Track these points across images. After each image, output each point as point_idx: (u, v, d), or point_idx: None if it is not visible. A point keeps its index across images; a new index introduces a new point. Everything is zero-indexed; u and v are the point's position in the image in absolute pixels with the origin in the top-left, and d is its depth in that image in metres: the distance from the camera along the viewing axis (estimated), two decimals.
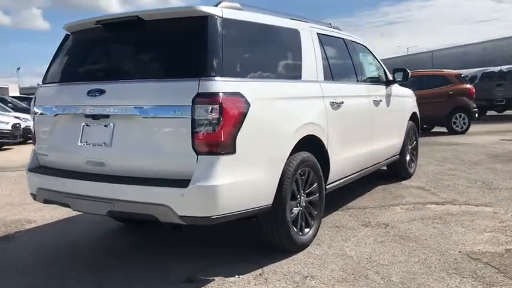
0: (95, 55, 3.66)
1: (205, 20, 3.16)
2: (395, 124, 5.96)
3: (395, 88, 6.01)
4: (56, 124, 3.61)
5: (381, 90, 5.53)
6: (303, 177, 3.86)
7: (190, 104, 2.96)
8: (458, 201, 5.30)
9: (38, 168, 3.71)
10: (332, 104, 4.24)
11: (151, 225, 4.32)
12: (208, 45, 3.09)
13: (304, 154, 3.81)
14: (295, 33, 4.08)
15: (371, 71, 5.64)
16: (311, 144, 3.98)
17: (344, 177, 4.65)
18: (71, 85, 3.59)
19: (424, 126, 14.22)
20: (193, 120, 2.96)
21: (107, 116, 3.29)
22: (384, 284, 3.17)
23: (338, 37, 4.93)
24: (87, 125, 3.40)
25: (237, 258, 3.74)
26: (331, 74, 4.51)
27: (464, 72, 19.04)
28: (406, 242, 3.98)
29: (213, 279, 3.34)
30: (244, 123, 3.11)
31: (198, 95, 2.96)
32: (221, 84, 3.02)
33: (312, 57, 4.18)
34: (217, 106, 2.97)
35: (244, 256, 3.76)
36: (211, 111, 2.96)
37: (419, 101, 12.19)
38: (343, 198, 5.46)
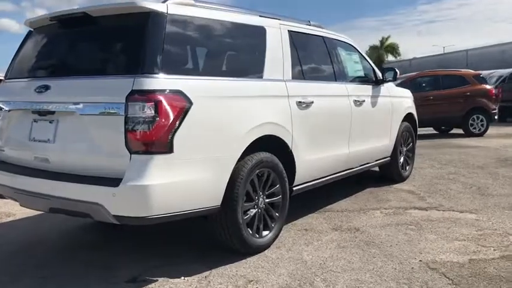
0: (46, 51, 3.66)
1: (146, 16, 3.10)
2: (384, 125, 5.76)
3: (386, 88, 5.81)
4: (10, 119, 3.64)
5: (365, 90, 5.34)
6: (261, 178, 3.76)
7: (124, 101, 2.91)
8: (443, 206, 5.08)
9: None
10: (299, 103, 4.11)
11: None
12: (146, 41, 3.03)
13: (262, 155, 3.72)
14: (259, 31, 3.97)
15: (355, 70, 5.46)
16: (273, 145, 3.87)
17: (316, 179, 4.51)
18: (23, 81, 3.61)
19: (442, 127, 13.82)
20: (126, 118, 2.91)
21: (52, 113, 3.28)
22: None
23: (316, 35, 4.78)
24: (35, 121, 3.41)
25: (191, 258, 3.68)
26: (302, 72, 4.39)
27: (498, 72, 18.35)
28: (369, 248, 3.83)
29: (157, 280, 3.29)
30: (184, 122, 3.03)
31: (132, 92, 2.91)
32: (158, 82, 2.96)
33: (278, 55, 4.06)
34: (152, 104, 2.91)
35: (199, 257, 3.70)
36: (145, 109, 2.90)
37: (436, 101, 12.00)
38: (324, 200, 5.34)
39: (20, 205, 3.55)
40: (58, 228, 4.70)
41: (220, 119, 3.32)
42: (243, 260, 3.61)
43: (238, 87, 3.54)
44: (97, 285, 3.21)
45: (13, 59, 3.86)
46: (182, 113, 3.02)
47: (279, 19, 4.35)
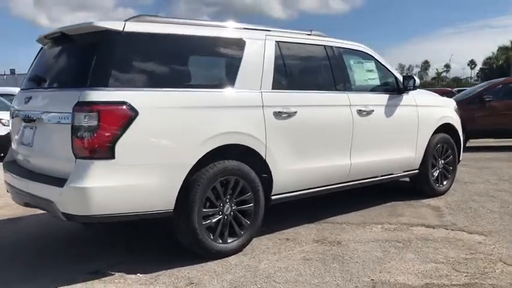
0: (38, 66, 4.17)
1: (101, 34, 3.43)
2: (406, 136, 5.46)
3: (411, 97, 5.51)
4: (14, 124, 4.23)
5: (378, 99, 5.14)
6: (228, 186, 3.88)
7: (71, 111, 3.26)
8: (456, 225, 4.71)
9: (7, 162, 4.37)
10: (277, 113, 4.15)
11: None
12: (97, 57, 3.36)
13: (227, 163, 3.85)
14: (234, 43, 4.09)
15: (366, 78, 5.27)
16: (244, 154, 3.98)
17: (302, 190, 4.49)
18: (23, 91, 4.19)
19: None
20: (73, 126, 3.26)
21: (33, 120, 3.77)
22: None
23: (314, 44, 4.74)
24: (24, 127, 3.94)
25: (156, 258, 3.91)
26: (289, 82, 4.41)
27: None
28: (332, 263, 3.75)
29: (114, 274, 3.59)
30: (128, 131, 3.30)
31: (78, 103, 3.25)
32: (101, 94, 3.27)
33: (256, 66, 4.15)
34: (95, 114, 3.22)
35: (166, 257, 3.91)
36: (88, 119, 3.22)
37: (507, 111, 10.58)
38: (331, 211, 5.23)
39: (12, 199, 4.11)
40: (40, 224, 5.06)
41: (170, 129, 3.53)
42: (202, 263, 3.76)
43: (193, 98, 3.70)
44: (62, 274, 3.59)
45: (27, 72, 4.47)
46: (125, 123, 3.29)
47: (268, 30, 4.43)
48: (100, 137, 3.23)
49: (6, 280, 3.51)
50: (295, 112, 4.28)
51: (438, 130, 5.93)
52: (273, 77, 4.24)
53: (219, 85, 3.98)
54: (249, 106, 4.02)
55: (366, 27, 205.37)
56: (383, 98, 5.21)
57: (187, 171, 3.60)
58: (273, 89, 4.22)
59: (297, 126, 4.30)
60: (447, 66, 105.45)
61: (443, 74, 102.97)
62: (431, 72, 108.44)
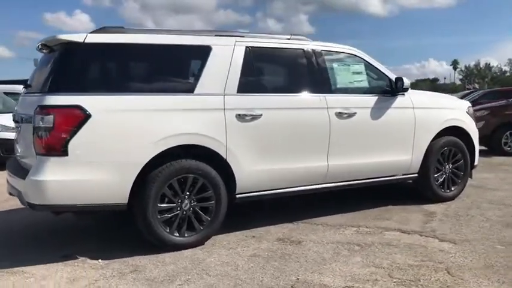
0: (33, 72, 4.70)
1: (63, 45, 3.90)
2: (400, 138, 5.34)
3: (407, 99, 5.38)
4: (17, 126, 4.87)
5: (362, 101, 5.10)
6: (185, 183, 4.16)
7: (33, 114, 3.75)
8: (434, 232, 4.57)
9: (9, 160, 4.97)
10: (240, 116, 4.35)
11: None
12: (58, 66, 3.84)
13: (184, 162, 4.14)
14: (199, 50, 4.35)
15: (352, 81, 5.22)
16: (204, 154, 4.23)
17: (271, 190, 4.63)
18: (22, 96, 4.79)
19: None
20: (33, 127, 3.76)
21: (18, 121, 4.34)
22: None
23: (290, 48, 4.85)
24: (17, 128, 4.53)
25: (123, 247, 4.25)
26: (257, 86, 4.59)
27: None
28: (274, 261, 3.88)
29: (78, 259, 4.04)
30: (80, 131, 3.72)
31: (38, 107, 3.74)
32: (57, 99, 3.72)
33: (221, 71, 4.37)
34: (50, 117, 3.68)
35: (132, 247, 4.25)
36: (45, 121, 3.69)
37: None
38: (318, 212, 5.28)
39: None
40: (30, 216, 5.30)
41: (121, 130, 3.89)
42: (157, 254, 4.05)
43: (145, 102, 4.01)
44: (38, 256, 4.10)
45: None
46: (78, 124, 3.72)
47: (241, 36, 4.64)
48: (54, 137, 3.69)
49: None
50: (261, 115, 4.44)
51: (444, 133, 5.71)
52: (240, 81, 4.44)
53: (177, 90, 4.26)
54: (209, 109, 4.26)
55: (474, 20, 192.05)
56: (370, 100, 5.16)
57: (139, 169, 3.94)
58: (238, 92, 4.42)
59: (262, 128, 4.46)
60: None
61: None
62: None
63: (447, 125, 5.71)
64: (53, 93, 3.76)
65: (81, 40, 3.91)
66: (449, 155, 5.80)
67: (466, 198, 5.99)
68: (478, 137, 6.14)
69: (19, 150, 4.46)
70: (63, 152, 3.71)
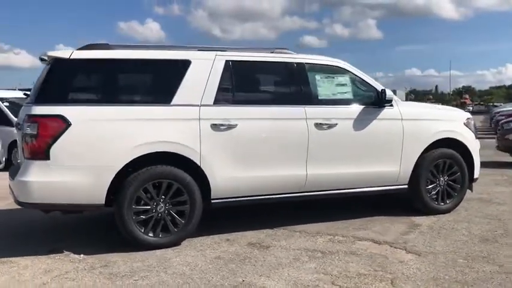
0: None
1: (52, 61, 4.38)
2: (383, 150, 5.38)
3: (395, 110, 5.42)
4: None
5: (344, 113, 5.20)
6: (160, 188, 4.49)
7: (22, 122, 4.25)
8: (406, 244, 4.60)
9: (15, 163, 5.54)
10: (215, 126, 4.63)
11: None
12: (46, 79, 4.32)
13: (159, 168, 4.48)
14: (178, 64, 4.68)
15: (335, 93, 5.32)
16: (180, 161, 4.55)
17: (247, 196, 4.85)
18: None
19: None
20: (22, 134, 4.25)
21: (19, 128, 4.87)
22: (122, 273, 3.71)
23: (271, 61, 5.06)
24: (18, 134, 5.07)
25: (105, 245, 4.62)
26: (233, 98, 4.84)
27: None
28: (232, 263, 4.11)
29: (63, 253, 4.48)
30: (61, 138, 4.16)
31: (25, 115, 4.23)
32: (41, 109, 4.19)
33: (199, 83, 4.67)
34: (35, 124, 4.15)
35: (115, 245, 4.62)
36: (30, 128, 4.17)
37: None
38: (306, 219, 5.45)
39: None
40: (27, 214, 5.73)
41: (99, 137, 4.29)
42: (132, 252, 4.40)
43: (121, 112, 4.39)
44: (29, 249, 4.57)
45: None
46: (59, 132, 4.16)
47: (223, 50, 4.93)
48: (38, 142, 4.15)
49: None
50: (236, 125, 4.70)
51: (439, 145, 5.68)
52: (217, 93, 4.72)
53: (154, 101, 4.62)
54: (184, 119, 4.58)
55: None
56: (353, 111, 5.26)
57: (115, 174, 4.31)
58: (215, 103, 4.71)
59: (238, 137, 4.71)
60: None
61: None
62: None
63: (440, 137, 5.66)
64: (39, 104, 4.24)
65: (66, 56, 4.37)
66: (444, 167, 5.74)
67: (464, 211, 5.90)
68: (478, 149, 6.02)
69: (19, 155, 5.00)
70: (46, 157, 4.16)
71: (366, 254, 4.34)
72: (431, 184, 5.71)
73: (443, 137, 5.69)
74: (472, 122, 6.07)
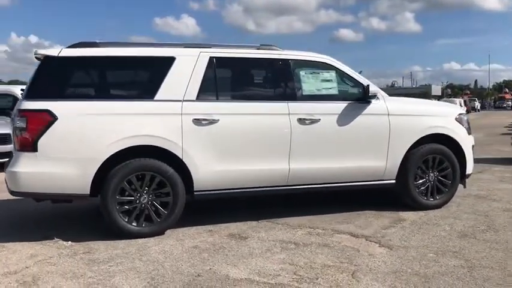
0: None
1: (42, 59, 4.63)
2: (368, 145, 5.42)
3: (382, 106, 5.46)
4: None
5: (328, 108, 5.27)
6: (144, 180, 4.71)
7: (14, 116, 4.54)
8: (383, 238, 4.67)
9: None
10: (197, 120, 4.80)
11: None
12: (35, 76, 4.58)
13: (142, 160, 4.69)
14: (163, 60, 4.86)
15: (320, 88, 5.37)
16: (163, 154, 4.75)
17: (229, 189, 5.00)
18: None
19: None
20: (13, 127, 4.53)
21: None
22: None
23: (255, 58, 5.18)
24: None
25: (94, 234, 4.85)
26: (217, 93, 5.00)
27: None
28: (206, 252, 4.29)
29: (54, 240, 4.75)
30: (48, 131, 4.42)
31: (16, 110, 4.51)
32: (30, 104, 4.46)
33: (182, 79, 4.85)
34: (24, 119, 4.43)
35: (103, 234, 4.87)
36: (20, 122, 4.45)
37: None
38: (293, 212, 5.57)
39: None
40: (24, 205, 6.16)
41: (84, 131, 4.53)
42: (116, 240, 4.65)
43: (105, 107, 4.61)
44: (23, 236, 4.86)
45: None
46: (46, 125, 4.42)
47: (208, 47, 5.10)
48: (27, 135, 4.43)
49: None
50: (218, 120, 4.85)
51: (427, 140, 5.68)
52: (200, 89, 4.89)
53: (138, 96, 4.84)
54: (166, 114, 4.77)
55: None
56: (337, 106, 5.32)
57: (98, 166, 4.55)
58: (198, 99, 4.88)
59: (219, 132, 4.87)
60: None
61: None
62: None
63: (429, 133, 5.66)
64: (29, 99, 4.52)
65: (55, 54, 4.62)
66: (433, 162, 5.73)
67: (456, 206, 5.89)
68: (470, 145, 5.97)
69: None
70: (34, 149, 4.43)
71: (339, 246, 4.43)
72: (420, 179, 5.72)
73: (433, 132, 5.68)
74: (465, 118, 6.02)
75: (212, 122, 4.85)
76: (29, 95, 4.57)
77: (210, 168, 4.88)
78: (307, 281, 3.60)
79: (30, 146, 4.44)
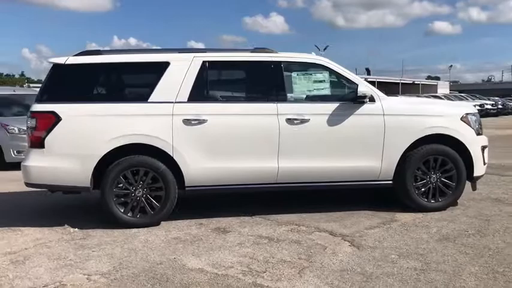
0: None
1: (52, 66, 5.25)
2: (361, 145, 5.42)
3: (377, 105, 5.44)
4: None
5: (318, 108, 5.37)
6: (137, 175, 5.16)
7: (27, 117, 5.21)
8: (346, 237, 4.73)
9: None
10: (187, 120, 5.16)
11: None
12: (45, 81, 5.22)
13: (136, 157, 5.16)
14: (158, 65, 5.27)
15: (312, 89, 5.46)
16: (154, 151, 5.18)
17: (218, 185, 5.31)
18: None
19: None
20: (26, 127, 5.20)
21: None
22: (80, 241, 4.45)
23: (247, 61, 5.42)
24: None
25: (98, 223, 5.40)
26: (208, 95, 5.33)
27: None
28: (181, 244, 4.63)
29: (63, 226, 5.36)
30: (53, 131, 5.02)
31: (29, 112, 5.17)
32: (40, 106, 5.09)
33: (175, 83, 5.23)
34: (34, 119, 5.07)
35: (103, 223, 5.39)
36: (31, 122, 5.10)
37: None
38: (292, 209, 5.76)
39: None
40: (34, 195, 6.71)
41: (84, 130, 5.08)
42: (113, 229, 5.16)
43: (104, 108, 5.11)
44: (40, 222, 5.53)
45: None
46: (52, 125, 5.02)
47: (203, 51, 5.44)
48: (36, 134, 5.07)
49: None
50: (206, 120, 5.18)
51: (428, 141, 5.56)
52: (192, 91, 5.25)
53: (134, 98, 5.31)
54: (158, 114, 5.18)
55: None
56: (328, 107, 5.40)
57: (97, 161, 5.08)
58: (189, 100, 5.24)
59: (208, 131, 5.20)
60: None
61: None
62: None
63: (429, 133, 5.53)
64: (39, 102, 5.16)
65: (62, 62, 5.22)
66: (435, 164, 5.60)
67: (462, 209, 5.73)
68: (479, 145, 5.72)
69: None
70: (42, 146, 5.06)
71: (309, 244, 4.55)
72: (421, 181, 5.61)
73: (434, 132, 5.54)
74: (474, 118, 5.78)
75: (201, 122, 5.18)
76: (40, 98, 5.21)
77: (199, 165, 5.21)
78: (252, 274, 3.81)
79: (39, 143, 5.08)
